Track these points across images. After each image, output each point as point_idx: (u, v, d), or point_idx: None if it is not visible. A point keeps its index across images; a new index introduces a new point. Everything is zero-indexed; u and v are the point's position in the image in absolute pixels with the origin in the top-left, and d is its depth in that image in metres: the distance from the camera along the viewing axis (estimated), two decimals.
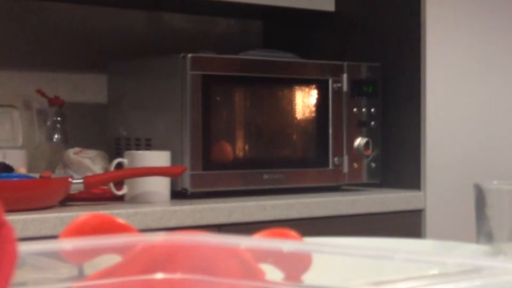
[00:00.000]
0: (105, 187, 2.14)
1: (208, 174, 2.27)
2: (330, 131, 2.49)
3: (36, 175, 2.12)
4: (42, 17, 2.61)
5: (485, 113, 2.68)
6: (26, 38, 2.59)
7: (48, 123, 2.54)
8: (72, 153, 2.38)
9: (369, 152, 2.54)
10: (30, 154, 2.48)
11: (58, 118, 2.54)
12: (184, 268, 0.54)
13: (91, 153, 2.39)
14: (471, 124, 2.65)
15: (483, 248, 0.76)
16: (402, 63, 2.62)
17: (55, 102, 2.54)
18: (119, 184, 2.15)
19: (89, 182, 2.06)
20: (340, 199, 2.37)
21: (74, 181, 2.03)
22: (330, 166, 2.49)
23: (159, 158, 2.19)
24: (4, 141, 2.47)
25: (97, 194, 2.16)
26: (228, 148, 2.34)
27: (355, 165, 2.53)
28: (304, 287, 0.58)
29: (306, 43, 2.86)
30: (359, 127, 2.54)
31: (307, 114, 2.48)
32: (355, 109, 2.54)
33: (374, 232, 2.39)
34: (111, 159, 2.27)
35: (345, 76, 2.51)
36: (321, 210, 2.31)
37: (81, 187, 2.05)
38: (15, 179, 2.06)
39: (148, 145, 2.35)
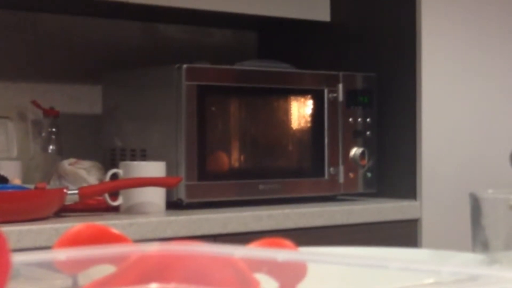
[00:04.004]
0: (100, 198, 2.14)
1: (203, 185, 2.27)
2: (326, 141, 2.49)
3: (31, 186, 2.11)
4: (37, 28, 2.61)
5: (481, 122, 2.69)
6: (21, 49, 2.59)
7: (43, 134, 2.54)
8: (67, 164, 2.37)
9: (364, 162, 2.54)
10: (25, 165, 2.47)
11: (53, 129, 2.54)
12: (179, 278, 0.54)
13: (86, 164, 2.39)
14: (467, 133, 2.65)
15: (478, 257, 0.76)
16: (398, 73, 2.62)
17: (50, 113, 2.54)
18: (114, 195, 2.15)
19: (84, 193, 2.05)
20: (336, 209, 2.37)
21: (69, 192, 2.03)
22: (326, 176, 2.49)
23: (154, 168, 2.18)
24: None
25: (92, 205, 2.15)
26: (223, 158, 2.34)
27: (351, 175, 2.53)
28: None
29: (301, 53, 2.87)
30: (355, 137, 2.54)
31: (302, 124, 2.48)
32: (350, 119, 2.54)
33: (370, 241, 2.38)
34: (106, 170, 2.26)
35: (340, 86, 2.51)
36: (317, 220, 2.31)
37: (76, 198, 2.04)
38: (10, 190, 2.06)
39: (143, 156, 2.35)
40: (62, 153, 2.52)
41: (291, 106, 2.46)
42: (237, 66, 2.42)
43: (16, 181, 2.26)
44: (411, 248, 0.82)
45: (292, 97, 2.46)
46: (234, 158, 2.37)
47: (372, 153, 2.57)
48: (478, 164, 2.66)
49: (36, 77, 2.61)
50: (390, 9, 2.65)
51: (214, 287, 0.53)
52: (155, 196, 2.17)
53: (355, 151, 2.54)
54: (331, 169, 2.49)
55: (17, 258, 0.49)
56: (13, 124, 2.52)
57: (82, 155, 2.46)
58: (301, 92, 2.47)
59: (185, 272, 0.54)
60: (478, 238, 0.78)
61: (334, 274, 0.60)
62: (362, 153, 2.54)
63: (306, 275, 0.58)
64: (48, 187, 2.15)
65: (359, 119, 2.55)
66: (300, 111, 2.48)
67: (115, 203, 2.14)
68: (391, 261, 0.52)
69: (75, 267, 0.54)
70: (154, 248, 0.55)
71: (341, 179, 2.51)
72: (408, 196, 2.57)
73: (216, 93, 2.32)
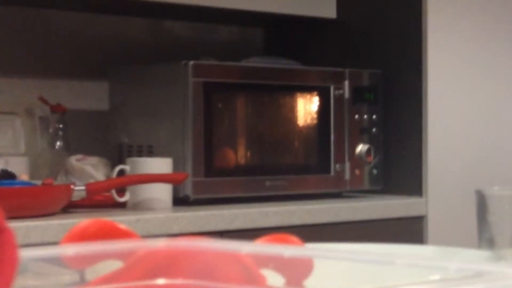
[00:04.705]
0: (108, 194, 2.14)
1: (210, 181, 2.27)
2: (332, 137, 2.49)
3: (39, 182, 2.12)
4: (44, 24, 2.62)
5: (487, 119, 2.68)
6: (28, 46, 2.59)
7: (50, 130, 2.55)
8: (74, 160, 2.38)
9: (370, 158, 2.54)
10: (32, 161, 2.48)
11: (60, 125, 2.55)
12: (186, 274, 0.54)
13: (93, 160, 2.39)
14: (473, 130, 2.65)
15: (484, 253, 0.76)
16: (404, 70, 2.62)
17: (57, 109, 2.54)
18: (121, 191, 2.15)
19: (91, 189, 2.06)
20: (342, 206, 2.37)
21: (76, 188, 2.03)
22: (332, 173, 2.49)
23: (161, 165, 2.19)
24: (6, 148, 2.47)
25: (99, 201, 2.16)
26: (230, 154, 2.34)
27: (357, 171, 2.53)
28: None
29: (307, 50, 2.87)
30: (361, 133, 2.54)
31: (309, 121, 2.48)
32: (356, 116, 2.54)
33: (376, 238, 2.38)
34: (113, 166, 2.27)
35: (346, 83, 2.51)
36: (323, 217, 2.31)
37: (83, 194, 2.05)
38: (18, 186, 2.06)
39: (150, 152, 2.35)
40: (69, 149, 2.53)
41: (297, 103, 2.46)
42: (243, 63, 2.42)
43: (24, 177, 2.27)
44: (417, 244, 0.82)
45: (298, 94, 2.46)
46: (240, 154, 2.37)
47: (378, 150, 2.57)
48: (484, 161, 2.66)
49: (43, 73, 2.62)
50: (396, 6, 2.65)
51: (221, 282, 0.53)
52: (162, 192, 2.18)
53: (361, 147, 2.54)
54: (337, 165, 2.49)
55: (25, 254, 0.50)
56: (20, 120, 2.53)
57: (89, 151, 2.47)
58: (307, 89, 2.48)
59: (192, 268, 0.54)
60: (484, 235, 0.78)
61: (340, 270, 0.60)
62: (368, 150, 2.54)
63: (312, 271, 0.58)
64: (55, 183, 2.15)
65: (365, 116, 2.55)
66: (306, 108, 2.48)
67: (122, 199, 2.15)
68: (397, 258, 0.52)
69: (82, 262, 0.55)
70: (161, 243, 0.55)
71: (347, 176, 2.51)
72: (414, 193, 2.57)
73: (223, 89, 2.32)
